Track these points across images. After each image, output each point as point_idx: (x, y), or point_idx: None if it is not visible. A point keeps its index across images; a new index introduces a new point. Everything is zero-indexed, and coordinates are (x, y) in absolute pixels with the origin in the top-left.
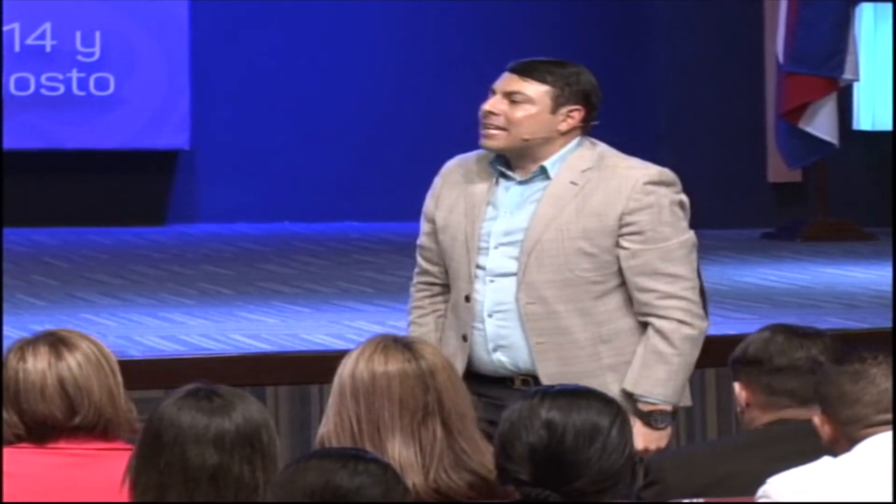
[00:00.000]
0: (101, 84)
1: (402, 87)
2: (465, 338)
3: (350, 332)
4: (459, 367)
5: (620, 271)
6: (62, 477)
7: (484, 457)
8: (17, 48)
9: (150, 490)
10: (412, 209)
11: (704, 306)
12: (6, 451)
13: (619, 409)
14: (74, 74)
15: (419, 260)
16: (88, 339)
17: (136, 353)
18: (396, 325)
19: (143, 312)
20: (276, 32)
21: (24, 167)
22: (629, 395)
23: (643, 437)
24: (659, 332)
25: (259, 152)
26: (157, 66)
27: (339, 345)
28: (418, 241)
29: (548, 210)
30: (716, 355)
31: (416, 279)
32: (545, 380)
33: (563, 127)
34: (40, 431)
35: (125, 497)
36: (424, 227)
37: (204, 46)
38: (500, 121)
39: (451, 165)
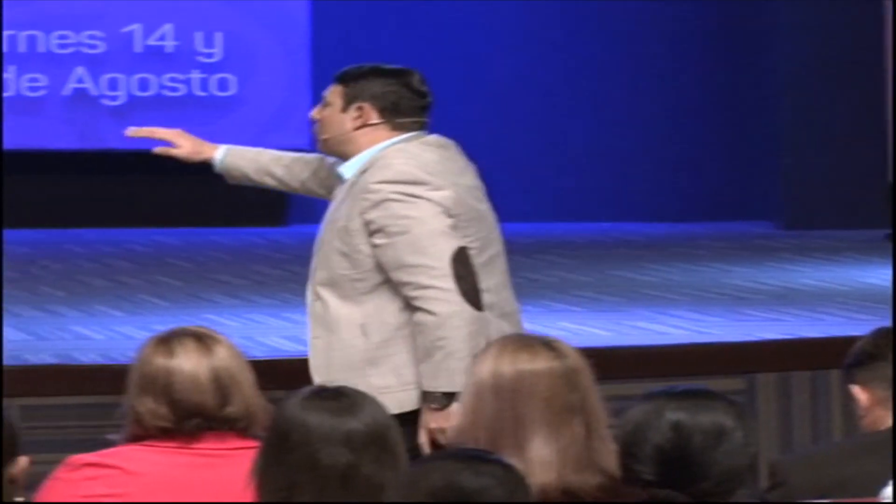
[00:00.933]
0: (222, 85)
1: (522, 86)
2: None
3: None
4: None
5: (379, 268)
6: (190, 476)
7: (611, 457)
8: (138, 49)
9: (277, 490)
10: (533, 210)
11: (468, 291)
12: (133, 449)
13: (743, 410)
14: (195, 75)
15: None
16: (220, 335)
17: (258, 354)
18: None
19: (265, 313)
20: (396, 31)
21: (146, 168)
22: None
23: (428, 418)
24: (417, 324)
25: None
26: (279, 66)
27: None
28: None
29: (330, 212)
30: (839, 356)
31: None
32: (313, 372)
33: (350, 126)
34: (190, 422)
35: (250, 496)
36: None
37: (325, 46)
38: (316, 127)
39: None
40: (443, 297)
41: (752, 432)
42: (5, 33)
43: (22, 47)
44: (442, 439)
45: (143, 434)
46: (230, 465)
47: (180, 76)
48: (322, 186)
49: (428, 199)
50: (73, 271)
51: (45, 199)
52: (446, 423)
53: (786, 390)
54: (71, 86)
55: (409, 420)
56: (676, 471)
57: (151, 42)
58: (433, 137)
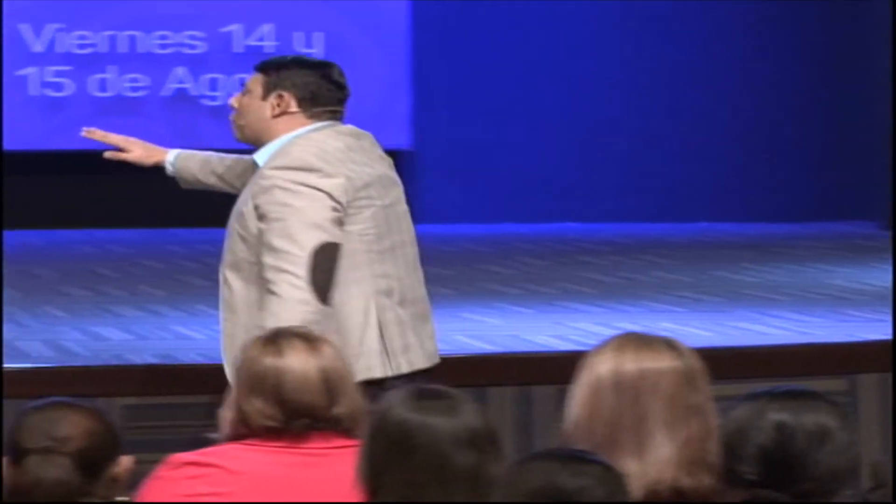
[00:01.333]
0: None
1: (622, 86)
2: None
3: (573, 333)
4: None
5: None
6: (293, 476)
7: (718, 458)
8: (238, 49)
9: (399, 491)
10: (632, 210)
11: (321, 283)
12: (234, 448)
13: (845, 411)
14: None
15: None
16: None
17: None
18: (620, 325)
19: None
20: (497, 31)
21: None
22: None
23: None
24: (262, 302)
25: (480, 153)
26: (378, 66)
27: (561, 346)
28: None
29: (238, 199)
30: None
31: None
32: (222, 354)
33: (269, 113)
34: (299, 422)
35: (357, 496)
36: None
37: (425, 46)
38: (233, 114)
39: None
40: (293, 281)
41: (855, 433)
42: (106, 34)
43: (122, 48)
44: None
45: (246, 433)
46: (333, 465)
47: None
48: None
49: (314, 188)
50: (174, 271)
51: (146, 199)
52: None
53: (888, 391)
54: (171, 86)
55: None
56: (779, 471)
57: (251, 42)
58: (346, 127)
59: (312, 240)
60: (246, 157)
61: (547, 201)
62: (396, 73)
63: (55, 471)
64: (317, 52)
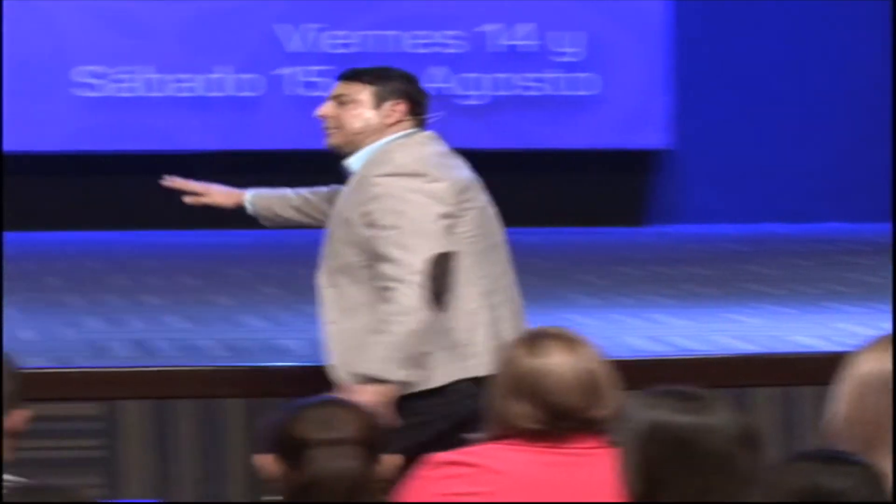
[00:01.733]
0: (584, 84)
1: (884, 84)
2: None
3: (836, 334)
4: None
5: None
6: (553, 476)
7: None
8: (497, 49)
9: (679, 494)
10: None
11: (437, 294)
12: (494, 447)
13: None
14: (554, 75)
15: None
16: (582, 336)
17: (619, 354)
18: (885, 326)
19: (625, 313)
20: (759, 31)
21: (506, 167)
22: None
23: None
24: (379, 312)
25: (741, 153)
26: (639, 66)
27: (825, 347)
28: None
29: (338, 203)
30: None
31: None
32: (332, 356)
33: (387, 121)
34: (562, 424)
35: (621, 497)
36: None
37: (688, 46)
38: (328, 123)
39: None
40: (406, 292)
41: None
42: (364, 33)
43: (380, 47)
44: None
45: (507, 434)
46: (593, 466)
47: (539, 76)
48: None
49: (423, 193)
50: None
51: None
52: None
53: None
54: (428, 86)
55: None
56: None
57: (509, 42)
58: (431, 132)
59: (426, 248)
60: (321, 188)
61: (810, 201)
62: (657, 73)
63: (346, 461)
64: (577, 51)
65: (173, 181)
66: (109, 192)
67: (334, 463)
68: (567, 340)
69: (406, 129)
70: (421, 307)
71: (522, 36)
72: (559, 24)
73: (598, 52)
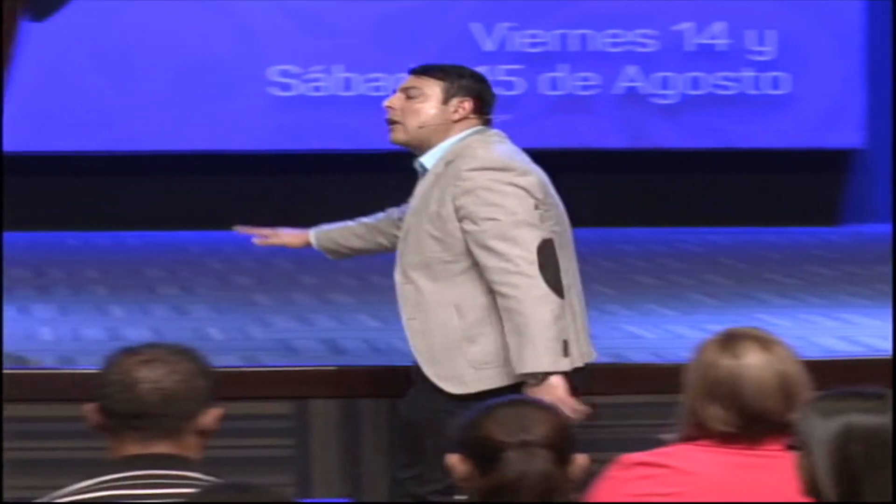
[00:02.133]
0: (776, 83)
1: None
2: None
3: None
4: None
5: (469, 251)
6: (744, 478)
7: None
8: (690, 48)
9: (876, 494)
10: None
11: (551, 280)
12: (685, 448)
13: None
14: (748, 73)
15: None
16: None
17: (812, 354)
18: None
19: (818, 313)
20: None
21: (697, 168)
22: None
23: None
24: (505, 310)
25: None
26: (832, 64)
27: None
28: None
29: (416, 200)
30: None
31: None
32: (416, 354)
33: (453, 117)
34: (756, 427)
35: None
36: None
37: (881, 44)
38: (395, 115)
39: None
40: (529, 283)
41: None
42: (557, 32)
43: (573, 46)
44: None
45: (700, 436)
46: (787, 468)
47: (732, 74)
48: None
49: (516, 186)
50: (625, 270)
51: (593, 197)
52: (550, 398)
53: None
54: (621, 84)
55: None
56: None
57: (703, 40)
58: (498, 130)
59: (531, 237)
60: (380, 215)
61: None
62: (851, 71)
63: (539, 463)
64: (769, 49)
65: (242, 229)
66: (301, 190)
67: (526, 465)
68: (763, 342)
69: (473, 127)
70: (550, 294)
71: (715, 35)
72: (751, 22)
73: (790, 50)
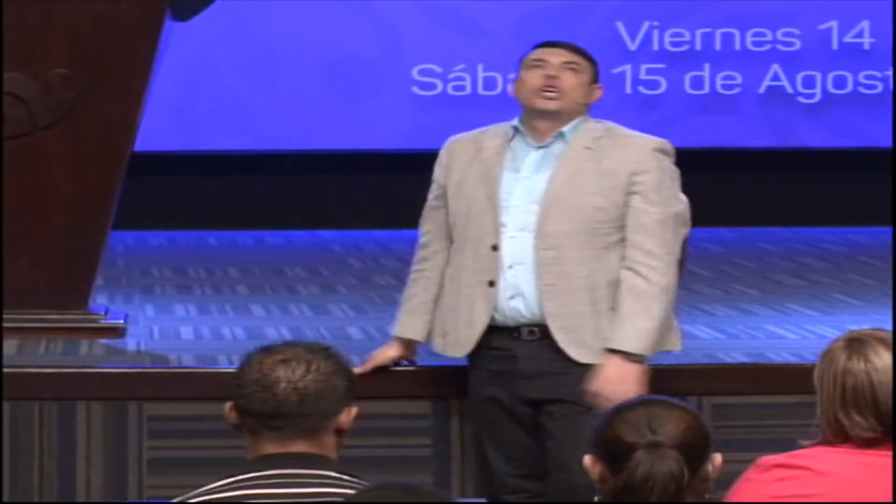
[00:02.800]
0: None
1: None
2: (491, 283)
3: None
4: (483, 312)
5: (623, 227)
6: (883, 479)
7: None
8: (834, 46)
9: None
10: None
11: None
12: (822, 450)
13: None
14: (893, 73)
15: (427, 224)
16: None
17: None
18: None
19: None
20: None
21: (843, 167)
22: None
23: (614, 373)
24: (631, 287)
25: None
26: None
27: None
28: (429, 204)
29: (566, 168)
30: None
31: (423, 250)
32: (550, 319)
33: (592, 99)
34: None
35: None
36: (434, 191)
37: None
38: (558, 84)
39: (455, 141)
40: (666, 272)
41: None
42: (701, 31)
43: (717, 45)
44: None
45: (841, 441)
46: None
47: (877, 73)
48: None
49: (677, 174)
50: (767, 270)
51: (735, 196)
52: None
53: None
54: (766, 83)
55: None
56: None
57: (848, 39)
58: None
59: (682, 232)
60: (427, 268)
61: None
62: None
63: (667, 464)
64: None
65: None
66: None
67: (655, 466)
68: (888, 343)
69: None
70: (674, 285)
71: (860, 33)
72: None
73: None
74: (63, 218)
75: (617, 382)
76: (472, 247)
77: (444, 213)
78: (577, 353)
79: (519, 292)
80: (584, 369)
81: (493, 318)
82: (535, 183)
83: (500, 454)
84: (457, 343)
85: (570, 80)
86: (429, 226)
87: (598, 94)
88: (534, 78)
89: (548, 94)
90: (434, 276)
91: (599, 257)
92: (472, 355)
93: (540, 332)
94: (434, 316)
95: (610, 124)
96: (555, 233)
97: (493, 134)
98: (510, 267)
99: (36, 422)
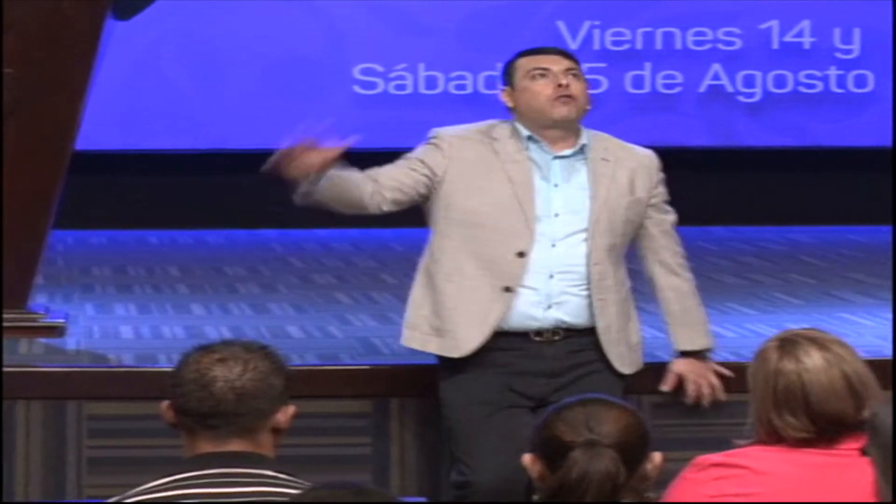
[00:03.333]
0: (860, 81)
1: None
2: (508, 289)
3: None
4: (496, 317)
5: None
6: (821, 477)
7: None
8: (775, 45)
9: None
10: None
11: None
12: (761, 449)
13: None
14: (832, 72)
15: (400, 178)
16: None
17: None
18: None
19: None
20: None
21: (782, 166)
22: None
23: (702, 371)
24: (675, 288)
25: None
26: None
27: None
28: (403, 169)
29: (604, 183)
30: None
31: (387, 183)
32: (602, 333)
33: (589, 106)
34: (830, 431)
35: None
36: (420, 169)
37: None
38: (570, 91)
39: (456, 135)
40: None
41: None
42: (643, 30)
43: (658, 45)
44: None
45: (775, 441)
46: (866, 467)
47: (817, 73)
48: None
49: None
50: (707, 269)
51: (676, 195)
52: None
53: None
54: (707, 83)
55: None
56: None
57: (789, 39)
58: None
59: None
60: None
61: None
62: None
63: (603, 463)
64: (854, 47)
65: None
66: None
67: (590, 464)
68: (820, 342)
69: None
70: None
71: (798, 33)
72: (837, 20)
73: (875, 48)
74: (4, 217)
75: (702, 377)
76: (490, 249)
77: (419, 192)
78: (620, 366)
79: (559, 301)
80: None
81: (509, 321)
82: (572, 194)
83: (489, 455)
84: (456, 343)
85: (577, 87)
86: (403, 180)
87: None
88: (545, 87)
89: (564, 101)
90: (368, 188)
91: (621, 269)
92: (472, 356)
93: (564, 333)
94: (422, 313)
95: (600, 133)
96: (601, 247)
97: (503, 136)
98: (551, 276)
99: None
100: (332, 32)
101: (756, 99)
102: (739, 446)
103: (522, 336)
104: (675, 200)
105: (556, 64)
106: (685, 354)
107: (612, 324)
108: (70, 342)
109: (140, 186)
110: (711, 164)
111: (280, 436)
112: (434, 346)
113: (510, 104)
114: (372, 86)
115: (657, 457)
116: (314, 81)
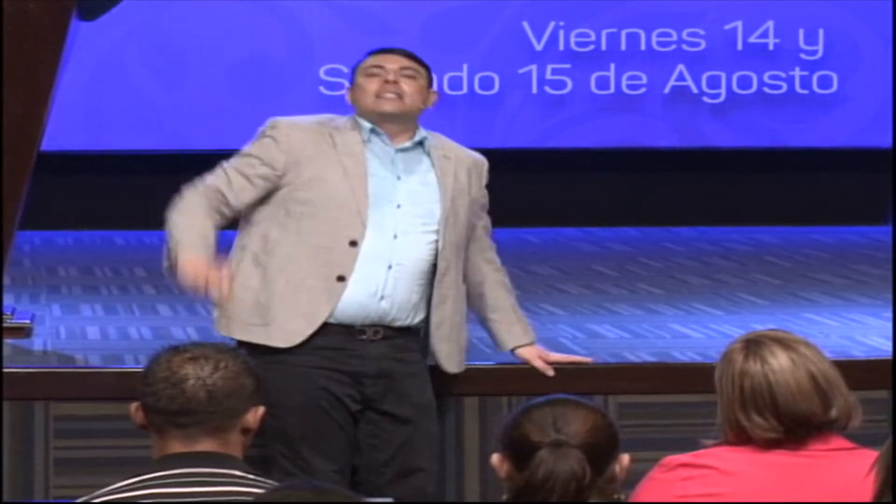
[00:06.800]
0: (824, 82)
1: None
2: (341, 278)
3: None
4: (326, 306)
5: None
6: (788, 477)
7: None
8: (739, 46)
9: None
10: None
11: None
12: (728, 449)
13: None
14: (797, 73)
15: (231, 182)
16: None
17: (858, 354)
18: None
19: (865, 312)
20: None
21: (747, 167)
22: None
23: (538, 354)
24: (502, 282)
25: None
26: (881, 63)
27: None
28: (241, 172)
29: (447, 180)
30: None
31: (209, 193)
32: (434, 327)
33: (429, 104)
34: (798, 431)
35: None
36: (257, 167)
37: None
38: (398, 89)
39: (293, 126)
40: None
41: None
42: (607, 31)
43: (623, 45)
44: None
45: (743, 442)
46: (833, 467)
47: (782, 73)
48: None
49: None
50: (673, 269)
51: (641, 196)
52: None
53: None
54: (671, 83)
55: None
56: None
57: (753, 39)
58: None
59: None
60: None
61: None
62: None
63: (569, 463)
64: (818, 48)
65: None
66: None
67: (556, 465)
68: (786, 343)
69: None
70: None
71: (763, 33)
72: (800, 20)
73: (839, 48)
74: None
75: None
76: (323, 239)
77: (265, 192)
78: (447, 363)
79: (389, 294)
80: (428, 374)
81: (342, 312)
82: (415, 188)
83: (328, 452)
84: (284, 333)
85: (409, 86)
86: (249, 197)
87: (433, 98)
88: (372, 84)
89: (388, 95)
90: (224, 222)
91: (461, 268)
92: (296, 348)
93: (385, 331)
94: (247, 299)
95: (436, 133)
96: (447, 245)
97: (343, 128)
98: (390, 267)
99: None
100: (297, 33)
101: (721, 100)
102: (707, 447)
103: (346, 334)
104: (639, 201)
105: (392, 62)
106: (520, 346)
107: (447, 320)
108: (37, 343)
109: (105, 187)
110: (676, 165)
111: (249, 436)
112: (258, 336)
113: (349, 101)
114: (338, 87)
115: (625, 458)
116: (279, 82)
